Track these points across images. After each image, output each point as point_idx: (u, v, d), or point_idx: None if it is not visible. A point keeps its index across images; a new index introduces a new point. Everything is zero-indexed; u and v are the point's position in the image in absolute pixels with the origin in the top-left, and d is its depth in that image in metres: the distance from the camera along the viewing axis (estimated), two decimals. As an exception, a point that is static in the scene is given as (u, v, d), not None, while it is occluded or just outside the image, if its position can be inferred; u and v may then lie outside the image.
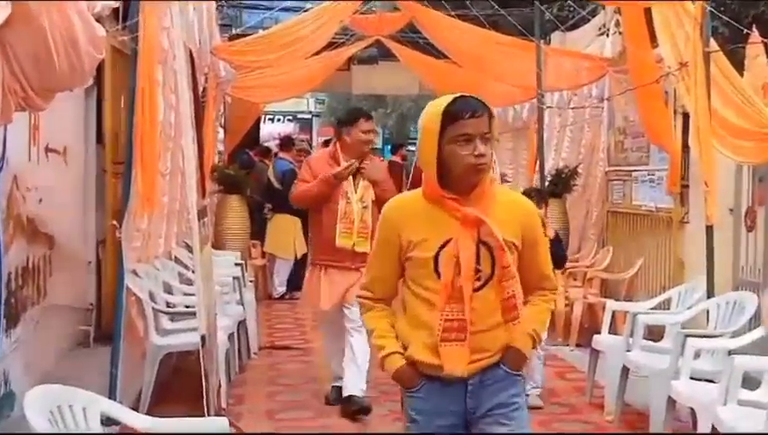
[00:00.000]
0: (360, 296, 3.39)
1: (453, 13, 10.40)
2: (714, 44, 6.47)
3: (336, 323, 6.68)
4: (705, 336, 5.86)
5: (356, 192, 6.57)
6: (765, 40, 6.83)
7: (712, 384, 5.23)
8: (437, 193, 3.12)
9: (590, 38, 10.58)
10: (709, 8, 6.43)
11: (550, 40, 11.38)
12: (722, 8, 7.38)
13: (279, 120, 32.61)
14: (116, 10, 5.86)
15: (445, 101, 3.11)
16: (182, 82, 5.19)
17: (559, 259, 5.97)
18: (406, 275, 3.23)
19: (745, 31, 7.04)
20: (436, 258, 3.11)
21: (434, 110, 3.11)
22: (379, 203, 6.34)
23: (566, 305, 8.98)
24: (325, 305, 6.55)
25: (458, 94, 3.13)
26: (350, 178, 6.59)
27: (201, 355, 4.98)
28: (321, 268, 6.60)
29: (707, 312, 6.36)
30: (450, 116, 3.07)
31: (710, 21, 6.50)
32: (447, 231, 3.11)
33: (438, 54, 11.05)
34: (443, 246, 3.10)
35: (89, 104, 8.05)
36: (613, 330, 7.13)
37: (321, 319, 6.98)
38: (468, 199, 3.12)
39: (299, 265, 11.70)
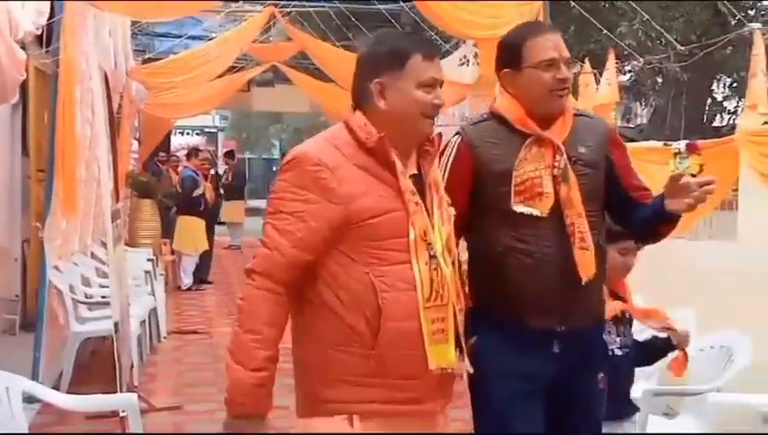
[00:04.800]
0: None
1: (338, 44, 10.49)
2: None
3: None
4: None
5: (435, 224, 2.27)
6: (595, 71, 7.10)
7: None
8: None
9: (453, 67, 10.74)
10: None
11: (420, 68, 11.52)
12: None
13: (188, 133, 32.00)
14: (39, 36, 5.72)
15: None
16: (98, 99, 5.07)
17: None
18: None
19: (579, 63, 7.29)
20: None
21: None
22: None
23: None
24: None
25: None
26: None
27: (114, 340, 4.92)
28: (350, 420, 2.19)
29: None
30: None
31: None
32: None
33: (326, 78, 11.07)
34: None
35: (15, 119, 7.83)
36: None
37: None
38: None
39: (203, 260, 11.71)
